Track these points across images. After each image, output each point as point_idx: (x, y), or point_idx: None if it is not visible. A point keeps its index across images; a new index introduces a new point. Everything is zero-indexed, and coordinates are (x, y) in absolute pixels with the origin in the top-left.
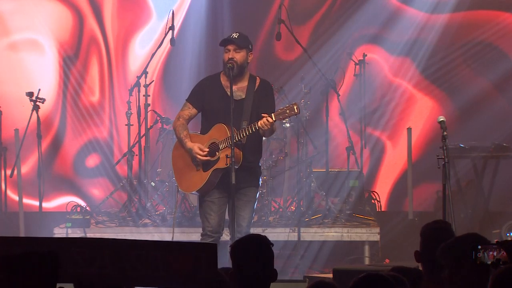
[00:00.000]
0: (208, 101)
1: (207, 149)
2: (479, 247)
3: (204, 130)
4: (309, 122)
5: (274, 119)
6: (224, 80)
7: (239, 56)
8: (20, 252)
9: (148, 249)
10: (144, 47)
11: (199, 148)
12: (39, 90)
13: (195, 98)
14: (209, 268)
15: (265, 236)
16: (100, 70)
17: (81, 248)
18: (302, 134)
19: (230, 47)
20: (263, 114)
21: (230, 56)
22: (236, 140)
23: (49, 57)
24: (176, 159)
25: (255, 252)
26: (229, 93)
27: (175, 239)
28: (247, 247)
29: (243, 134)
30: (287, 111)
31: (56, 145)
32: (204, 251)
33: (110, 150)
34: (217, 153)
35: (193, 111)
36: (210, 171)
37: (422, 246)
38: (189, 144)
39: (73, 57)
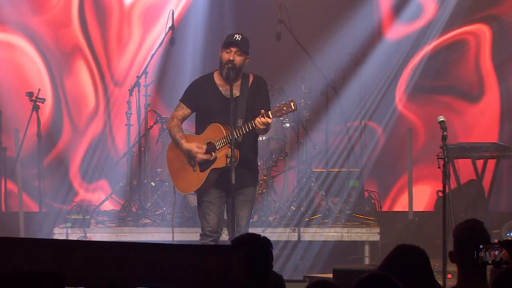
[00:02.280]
0: (202, 101)
1: (205, 146)
2: (481, 246)
3: (199, 130)
4: (309, 122)
5: (271, 117)
6: (218, 79)
7: (239, 59)
8: (25, 272)
9: (177, 252)
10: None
11: (197, 147)
12: (39, 90)
13: (188, 98)
14: (244, 269)
15: (264, 237)
16: (90, 73)
17: (112, 252)
18: (302, 134)
19: (233, 48)
20: (262, 111)
21: (231, 58)
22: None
23: (40, 60)
24: (171, 160)
25: (251, 253)
26: (223, 92)
27: (175, 239)
28: (243, 247)
29: (239, 133)
30: (284, 108)
31: (56, 145)
32: (235, 254)
33: (109, 150)
34: (213, 153)
35: (187, 111)
36: (207, 171)
37: (455, 246)
38: (186, 145)
39: (61, 62)
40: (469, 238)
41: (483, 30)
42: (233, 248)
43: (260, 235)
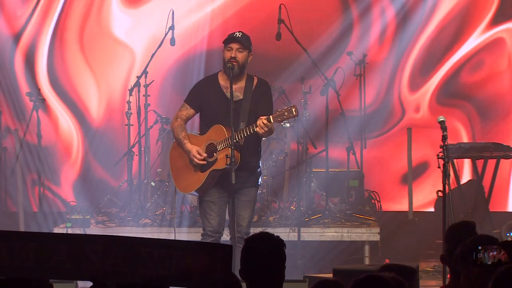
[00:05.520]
0: (206, 102)
1: (205, 154)
2: (480, 247)
3: (203, 131)
4: (309, 122)
5: (272, 121)
6: (222, 80)
7: (241, 56)
8: (12, 279)
9: (161, 248)
10: None
11: (197, 152)
12: (39, 90)
13: (192, 98)
14: (224, 269)
15: (278, 237)
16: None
17: (95, 246)
18: (302, 134)
19: (234, 45)
20: (261, 117)
21: (232, 55)
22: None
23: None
24: (174, 159)
25: (265, 253)
26: (226, 94)
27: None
28: (257, 247)
29: (241, 136)
30: (286, 113)
31: (55, 144)
32: (220, 252)
33: (109, 150)
34: (215, 154)
35: (191, 111)
36: (208, 172)
37: (445, 248)
38: (188, 145)
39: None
40: (456, 238)
41: None
42: (246, 247)
43: (273, 234)
